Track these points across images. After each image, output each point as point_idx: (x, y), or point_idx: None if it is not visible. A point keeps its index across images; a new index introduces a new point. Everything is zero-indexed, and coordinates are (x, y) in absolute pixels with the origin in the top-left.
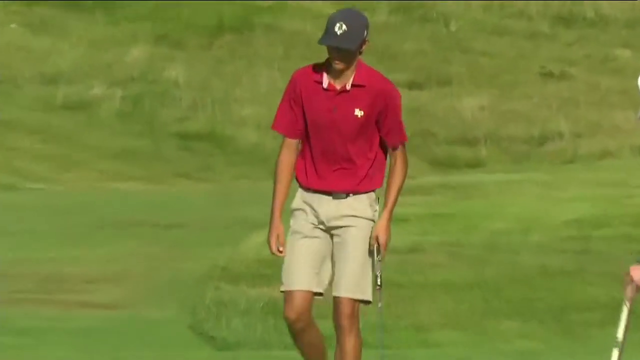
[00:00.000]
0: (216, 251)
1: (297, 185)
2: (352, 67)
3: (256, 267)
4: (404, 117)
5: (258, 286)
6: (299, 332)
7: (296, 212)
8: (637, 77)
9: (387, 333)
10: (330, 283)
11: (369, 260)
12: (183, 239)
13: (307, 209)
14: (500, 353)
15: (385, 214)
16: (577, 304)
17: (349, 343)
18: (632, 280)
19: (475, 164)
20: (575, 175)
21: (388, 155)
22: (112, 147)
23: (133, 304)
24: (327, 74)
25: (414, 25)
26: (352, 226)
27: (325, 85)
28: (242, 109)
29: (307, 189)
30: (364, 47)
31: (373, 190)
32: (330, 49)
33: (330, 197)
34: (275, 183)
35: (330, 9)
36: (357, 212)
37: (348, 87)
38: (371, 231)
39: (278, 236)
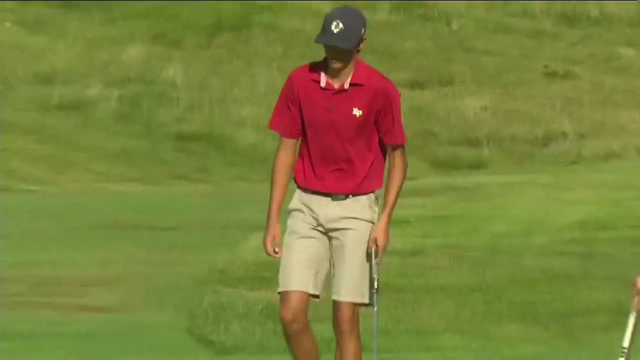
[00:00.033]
0: (214, 254)
1: (295, 186)
2: (351, 66)
3: (255, 270)
4: (404, 117)
5: (257, 289)
6: (294, 335)
7: (294, 213)
8: None
9: (387, 337)
10: (326, 285)
11: (369, 263)
12: (180, 242)
13: (306, 210)
14: (503, 357)
15: (384, 217)
16: (581, 308)
17: (350, 347)
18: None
19: (477, 165)
20: (579, 176)
21: (387, 156)
22: (108, 148)
23: (130, 308)
24: (325, 73)
25: (415, 24)
26: (351, 229)
27: (323, 84)
28: (241, 109)
29: (306, 190)
30: (361, 46)
31: (372, 192)
32: (327, 48)
33: (329, 199)
34: (272, 184)
35: (329, 7)
36: (357, 214)
37: (346, 86)
38: (370, 233)
39: (274, 237)
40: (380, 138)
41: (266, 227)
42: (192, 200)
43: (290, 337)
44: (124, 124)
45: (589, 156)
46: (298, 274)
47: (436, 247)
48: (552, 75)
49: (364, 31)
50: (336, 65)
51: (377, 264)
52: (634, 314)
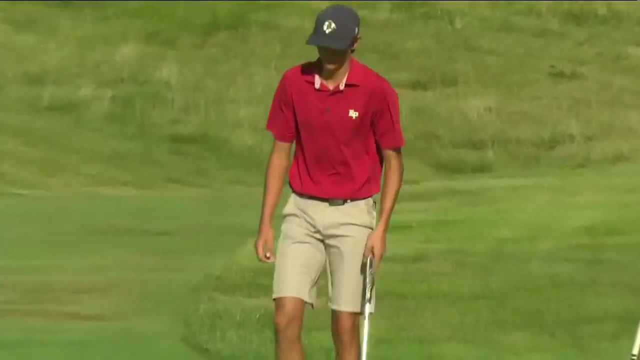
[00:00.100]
0: (210, 260)
1: (290, 190)
2: (345, 66)
3: (252, 277)
4: (406, 119)
5: (254, 296)
6: (287, 342)
7: (289, 217)
8: None
9: (388, 345)
10: (323, 293)
11: (364, 272)
12: (175, 247)
13: (302, 215)
14: None
15: (381, 224)
16: (588, 316)
17: (351, 358)
18: None
19: (481, 168)
20: (586, 180)
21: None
22: (100, 151)
23: (123, 316)
24: (319, 74)
25: (417, 23)
26: (349, 236)
27: (317, 85)
28: (237, 111)
29: (302, 195)
30: (356, 45)
31: (370, 196)
32: (320, 49)
33: (327, 204)
34: (265, 187)
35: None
36: (355, 220)
37: (341, 87)
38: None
39: (266, 242)
40: (376, 140)
41: (258, 232)
42: (187, 205)
43: (281, 344)
44: (116, 126)
45: (596, 159)
46: (293, 279)
47: (439, 252)
48: (558, 75)
49: (358, 30)
50: (330, 66)
51: (372, 273)
52: None
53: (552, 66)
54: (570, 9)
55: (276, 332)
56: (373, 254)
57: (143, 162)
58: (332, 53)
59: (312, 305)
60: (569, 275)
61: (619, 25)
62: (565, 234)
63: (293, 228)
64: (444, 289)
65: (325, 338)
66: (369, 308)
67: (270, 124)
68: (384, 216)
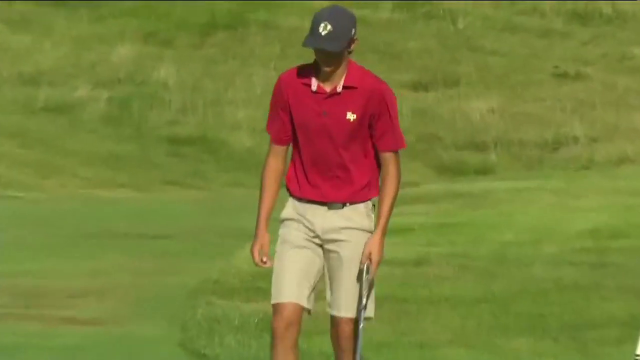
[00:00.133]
0: (208, 263)
1: (288, 194)
2: (343, 68)
3: (251, 281)
4: (408, 120)
5: (253, 301)
6: (284, 349)
7: (287, 222)
8: None
9: (389, 350)
10: (321, 297)
11: (360, 279)
12: (173, 251)
13: (300, 219)
14: None
15: (379, 230)
16: (592, 321)
17: None
18: None
19: (484, 171)
20: (591, 182)
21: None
22: (97, 153)
23: (119, 320)
24: (316, 76)
25: (419, 23)
26: (349, 240)
27: (314, 88)
28: (236, 112)
29: (300, 199)
30: (352, 47)
31: (370, 199)
32: (316, 51)
33: (326, 208)
34: (261, 191)
35: (328, 5)
36: (355, 224)
37: (339, 89)
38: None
39: (262, 246)
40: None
41: (254, 236)
42: (184, 207)
43: (278, 350)
44: (113, 127)
45: (601, 161)
46: (292, 285)
47: (441, 256)
48: (562, 76)
49: (355, 31)
50: (326, 68)
51: (369, 280)
52: None
53: (556, 67)
54: (575, 9)
55: (273, 337)
56: (370, 260)
57: (140, 164)
58: (328, 55)
59: (309, 311)
60: (573, 279)
61: (624, 25)
62: (569, 237)
63: (291, 233)
64: (445, 293)
65: (325, 342)
66: (364, 314)
67: (269, 125)
68: (382, 222)
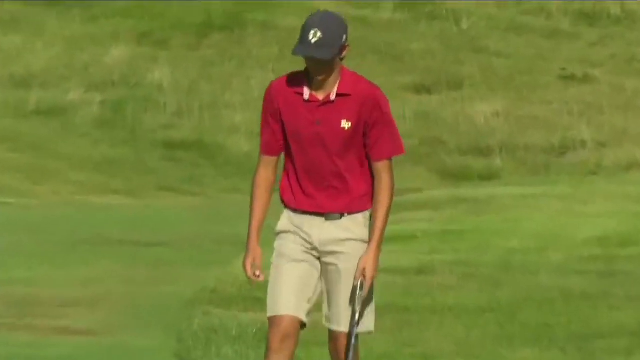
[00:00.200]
0: (204, 272)
1: (282, 205)
2: (335, 75)
3: (248, 290)
4: (410, 124)
5: (251, 310)
6: None
7: (283, 234)
8: None
9: None
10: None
11: (354, 295)
12: (168, 258)
13: (297, 231)
14: None
15: (373, 245)
16: (600, 330)
17: None
18: None
19: (489, 176)
20: (599, 188)
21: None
22: (89, 157)
23: (113, 330)
24: (308, 84)
25: (422, 23)
26: (348, 253)
27: (306, 96)
28: (233, 115)
29: (295, 210)
30: (344, 53)
31: (368, 209)
32: (307, 59)
33: (322, 219)
34: (252, 203)
35: (328, 4)
36: (353, 235)
37: (332, 97)
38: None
39: (254, 259)
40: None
41: (246, 250)
42: (180, 214)
43: None
44: (106, 131)
45: (609, 166)
46: (289, 297)
47: (444, 264)
48: (569, 78)
49: (346, 38)
50: (318, 76)
51: (363, 297)
52: None
53: (563, 69)
54: (582, 9)
55: (269, 350)
56: (364, 276)
57: (134, 169)
58: (319, 63)
59: (304, 325)
60: (580, 288)
61: (632, 25)
62: (576, 244)
63: (288, 245)
64: (449, 303)
65: (324, 354)
66: (356, 330)
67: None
68: (376, 236)
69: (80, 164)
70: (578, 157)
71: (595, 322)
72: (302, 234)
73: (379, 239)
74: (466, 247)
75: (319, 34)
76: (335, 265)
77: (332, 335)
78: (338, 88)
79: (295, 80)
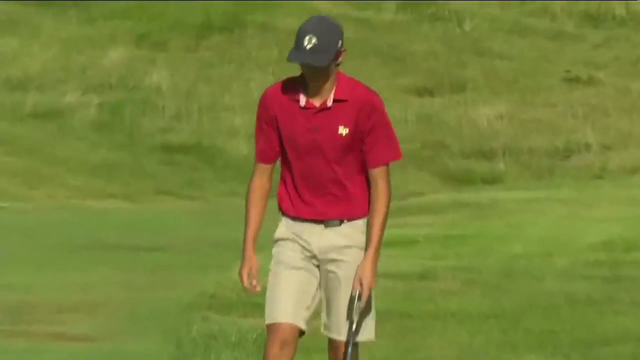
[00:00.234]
0: (204, 277)
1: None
2: (332, 81)
3: (248, 295)
4: (412, 127)
5: (250, 316)
6: None
7: (281, 242)
8: None
9: None
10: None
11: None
12: (167, 263)
13: (296, 239)
14: None
15: (371, 254)
16: (606, 336)
17: None
18: None
19: (492, 180)
20: (604, 192)
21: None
22: (87, 161)
23: (111, 336)
24: (304, 90)
25: (424, 24)
26: (347, 261)
27: (302, 103)
28: (233, 118)
29: (294, 218)
30: (340, 59)
31: (368, 215)
32: (302, 66)
33: (322, 226)
34: (247, 211)
35: (328, 5)
36: (353, 242)
37: (329, 103)
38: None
39: (251, 269)
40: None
41: (242, 259)
42: (179, 218)
43: None
44: (104, 134)
45: (614, 170)
46: (288, 305)
47: (447, 269)
48: (574, 80)
49: (341, 43)
50: (314, 83)
51: (360, 307)
52: None
53: (567, 71)
54: (587, 10)
55: (267, 358)
56: (361, 285)
57: (132, 173)
58: (314, 70)
59: (304, 332)
60: (585, 294)
61: (638, 27)
62: (581, 249)
63: (286, 253)
64: (451, 308)
65: None
66: (353, 339)
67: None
68: (373, 244)
69: (77, 168)
70: (583, 160)
71: (601, 328)
72: (301, 241)
73: (376, 248)
74: (469, 252)
75: (314, 39)
76: (335, 273)
77: (332, 345)
78: (335, 94)
79: (291, 86)
